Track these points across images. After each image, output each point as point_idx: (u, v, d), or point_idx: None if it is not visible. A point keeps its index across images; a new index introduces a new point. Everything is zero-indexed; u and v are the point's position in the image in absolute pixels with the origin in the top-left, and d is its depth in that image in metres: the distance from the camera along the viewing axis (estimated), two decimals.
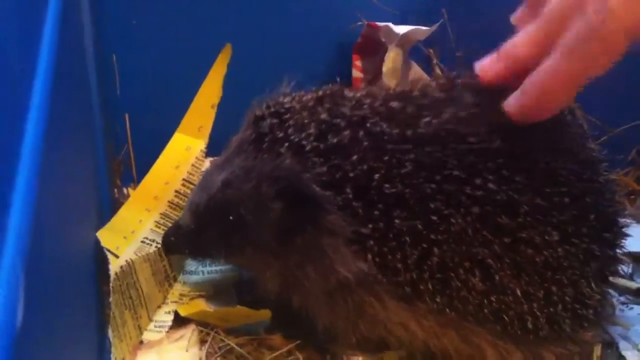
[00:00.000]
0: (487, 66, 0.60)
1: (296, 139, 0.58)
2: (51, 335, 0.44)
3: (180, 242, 0.67)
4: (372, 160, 0.57)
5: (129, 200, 0.75)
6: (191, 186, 0.78)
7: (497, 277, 0.57)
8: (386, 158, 0.57)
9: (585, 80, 0.54)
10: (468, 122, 0.58)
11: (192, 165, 0.80)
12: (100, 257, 0.66)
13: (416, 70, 0.91)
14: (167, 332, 0.67)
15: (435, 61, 0.92)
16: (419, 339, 0.63)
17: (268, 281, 0.63)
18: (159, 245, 0.72)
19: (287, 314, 0.65)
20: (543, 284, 0.58)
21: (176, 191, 0.78)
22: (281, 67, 0.86)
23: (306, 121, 0.59)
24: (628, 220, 0.66)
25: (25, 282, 0.34)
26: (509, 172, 0.57)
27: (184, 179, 0.79)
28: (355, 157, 0.57)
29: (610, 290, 0.70)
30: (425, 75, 0.90)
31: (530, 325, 0.59)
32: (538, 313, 0.59)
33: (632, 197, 0.89)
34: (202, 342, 0.66)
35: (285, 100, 0.63)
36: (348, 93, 0.62)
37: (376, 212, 0.56)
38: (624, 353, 0.69)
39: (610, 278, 0.65)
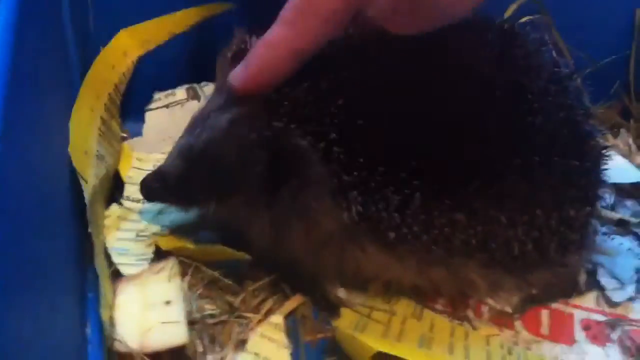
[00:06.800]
0: None
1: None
2: (31, 266, 0.43)
3: (166, 189, 0.64)
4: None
5: (77, 99, 0.69)
6: (120, 96, 0.77)
7: (480, 210, 0.57)
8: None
9: (307, 50, 0.54)
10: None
11: (123, 73, 0.79)
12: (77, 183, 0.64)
13: None
14: (149, 264, 0.66)
15: None
16: (405, 280, 0.63)
17: (256, 236, 0.62)
18: (108, 164, 0.70)
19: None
20: (526, 209, 0.58)
21: (109, 94, 0.76)
22: None
23: None
24: (611, 152, 0.66)
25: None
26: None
27: (115, 84, 0.77)
28: (340, 101, 0.56)
29: (593, 220, 0.71)
30: None
31: (517, 251, 0.59)
32: (524, 238, 0.59)
33: (615, 130, 0.89)
34: (184, 273, 0.65)
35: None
36: None
37: (360, 160, 0.55)
38: (603, 282, 0.70)
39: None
